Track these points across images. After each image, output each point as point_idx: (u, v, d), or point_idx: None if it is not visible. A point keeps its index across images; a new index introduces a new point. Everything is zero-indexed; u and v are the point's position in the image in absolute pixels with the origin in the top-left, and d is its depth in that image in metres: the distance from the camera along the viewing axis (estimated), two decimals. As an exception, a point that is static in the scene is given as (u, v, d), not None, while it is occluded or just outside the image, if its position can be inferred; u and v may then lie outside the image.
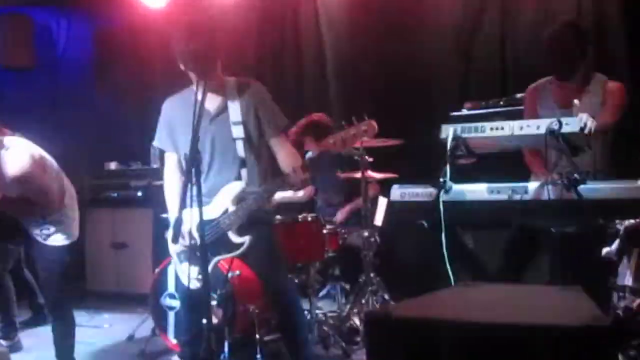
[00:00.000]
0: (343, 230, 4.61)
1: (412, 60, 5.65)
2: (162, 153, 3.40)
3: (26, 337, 4.83)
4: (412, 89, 5.60)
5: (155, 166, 5.79)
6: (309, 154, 3.67)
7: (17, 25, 6.18)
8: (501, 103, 4.46)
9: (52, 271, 3.75)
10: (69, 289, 3.92)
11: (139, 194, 6.00)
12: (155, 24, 6.16)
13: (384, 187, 4.41)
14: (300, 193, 4.65)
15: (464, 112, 4.47)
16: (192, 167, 2.54)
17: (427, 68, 5.64)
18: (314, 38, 6.11)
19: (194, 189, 2.66)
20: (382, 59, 5.76)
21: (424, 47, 5.65)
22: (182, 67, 3.08)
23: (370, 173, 4.48)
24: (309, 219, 4.33)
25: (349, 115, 3.09)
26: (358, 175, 4.43)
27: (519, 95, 4.26)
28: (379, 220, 4.64)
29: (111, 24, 6.50)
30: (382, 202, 4.64)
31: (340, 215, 4.86)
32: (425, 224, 3.31)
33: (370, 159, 4.41)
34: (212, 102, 3.10)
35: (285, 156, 3.22)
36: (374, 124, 2.86)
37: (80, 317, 4.98)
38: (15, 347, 4.55)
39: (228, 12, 5.70)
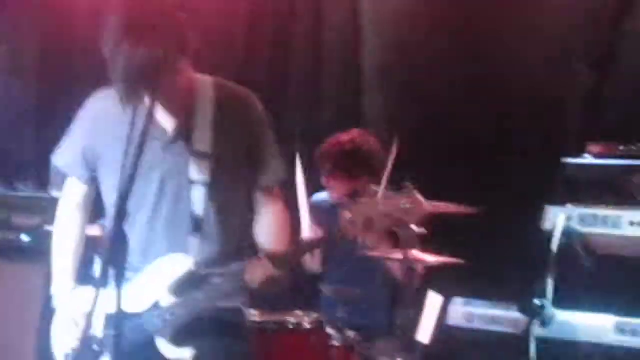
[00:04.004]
0: (364, 345, 3.52)
1: (495, 71, 4.12)
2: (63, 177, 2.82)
3: None
4: (495, 117, 4.04)
5: (57, 195, 4.19)
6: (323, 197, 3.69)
7: None
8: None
9: None
10: None
11: (25, 238, 4.46)
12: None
13: (439, 280, 3.41)
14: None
15: (588, 160, 3.16)
16: (119, 223, 2.04)
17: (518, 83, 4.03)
18: (340, 19, 4.75)
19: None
20: (445, 68, 4.29)
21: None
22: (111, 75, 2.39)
23: (418, 254, 3.30)
24: (307, 324, 3.33)
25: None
26: (398, 255, 3.32)
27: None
28: (424, 334, 3.47)
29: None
30: (434, 303, 3.46)
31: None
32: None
33: (420, 231, 3.23)
34: (171, 116, 2.50)
35: (269, 224, 2.65)
36: (420, 199, 2.24)
37: None
38: None
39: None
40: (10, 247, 4.47)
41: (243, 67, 4.73)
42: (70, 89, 5.21)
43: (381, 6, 4.64)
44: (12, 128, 5.23)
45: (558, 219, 2.82)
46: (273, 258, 2.46)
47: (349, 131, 3.82)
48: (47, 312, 3.48)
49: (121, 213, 2.06)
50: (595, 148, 3.17)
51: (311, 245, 2.95)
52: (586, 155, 3.17)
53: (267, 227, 2.65)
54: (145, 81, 2.29)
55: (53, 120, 5.09)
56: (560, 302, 2.78)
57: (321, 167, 3.79)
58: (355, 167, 3.65)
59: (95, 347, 2.44)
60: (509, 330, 2.87)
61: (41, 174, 4.66)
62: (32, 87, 5.44)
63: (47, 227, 4.31)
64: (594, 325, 2.75)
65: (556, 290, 2.78)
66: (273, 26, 5.02)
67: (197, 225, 2.53)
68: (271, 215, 2.66)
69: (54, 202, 4.09)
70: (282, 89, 4.85)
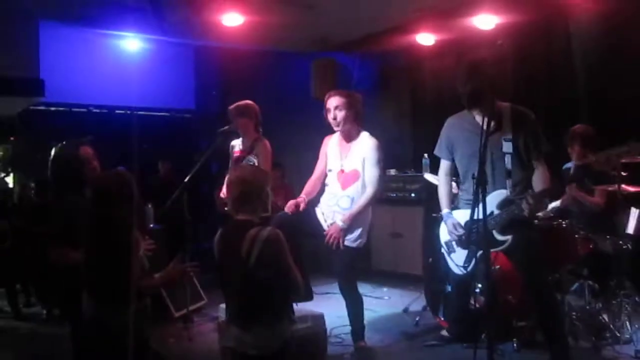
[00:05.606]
0: (594, 236, 4.79)
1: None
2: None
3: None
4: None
5: (425, 174, 6.43)
6: (569, 165, 4.58)
7: (325, 66, 7.94)
8: None
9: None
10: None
11: (413, 195, 7.16)
12: (428, 60, 7.49)
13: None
14: (556, 203, 4.87)
15: None
16: (479, 176, 3.02)
17: None
18: (564, 67, 6.18)
19: (464, 194, 3.57)
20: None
21: None
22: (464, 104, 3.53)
23: (625, 187, 4.63)
24: (564, 224, 4.70)
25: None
26: (612, 188, 4.64)
27: None
28: (631, 228, 4.82)
29: (393, 61, 7.94)
30: (635, 212, 4.87)
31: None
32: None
33: (624, 174, 4.59)
34: (491, 121, 3.38)
35: (537, 177, 3.68)
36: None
37: (366, 289, 6.15)
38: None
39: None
40: (405, 200, 7.17)
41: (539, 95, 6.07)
42: (423, 120, 7.50)
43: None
44: (401, 143, 7.56)
45: None
46: (535, 196, 3.38)
47: None
48: (427, 230, 5.69)
49: (480, 174, 3.02)
50: None
51: (552, 191, 3.75)
52: None
53: (537, 180, 3.61)
54: (474, 102, 3.36)
55: (420, 136, 7.51)
56: None
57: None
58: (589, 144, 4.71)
59: (459, 239, 3.66)
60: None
61: (417, 164, 6.90)
62: (406, 118, 7.94)
63: (424, 189, 6.67)
64: None
65: None
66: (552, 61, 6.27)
67: (509, 174, 3.58)
68: (540, 172, 3.64)
69: (423, 179, 6.35)
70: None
